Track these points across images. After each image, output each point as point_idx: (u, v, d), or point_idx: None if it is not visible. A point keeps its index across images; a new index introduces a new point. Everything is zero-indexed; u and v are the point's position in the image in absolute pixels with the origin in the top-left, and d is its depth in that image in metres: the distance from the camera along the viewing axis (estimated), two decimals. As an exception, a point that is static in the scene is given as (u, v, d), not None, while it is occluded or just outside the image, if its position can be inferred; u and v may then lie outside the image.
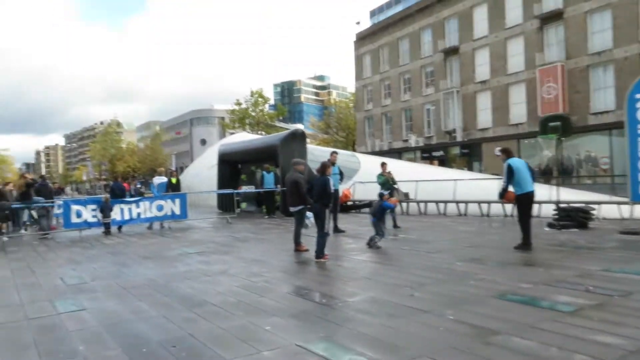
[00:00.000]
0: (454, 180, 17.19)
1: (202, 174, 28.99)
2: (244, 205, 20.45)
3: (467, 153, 40.47)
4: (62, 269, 8.86)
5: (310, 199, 8.99)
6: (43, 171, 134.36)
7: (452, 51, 41.23)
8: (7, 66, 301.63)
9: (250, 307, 5.59)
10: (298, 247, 9.57)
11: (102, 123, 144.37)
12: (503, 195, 8.93)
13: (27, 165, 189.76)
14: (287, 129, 62.45)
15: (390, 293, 5.99)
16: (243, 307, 5.63)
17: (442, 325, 4.65)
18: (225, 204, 19.58)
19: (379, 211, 9.71)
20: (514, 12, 36.22)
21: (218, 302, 5.86)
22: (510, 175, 8.62)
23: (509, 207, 14.81)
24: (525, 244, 8.71)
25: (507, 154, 8.93)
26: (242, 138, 30.09)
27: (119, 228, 15.04)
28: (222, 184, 21.71)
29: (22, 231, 14.94)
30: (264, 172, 18.81)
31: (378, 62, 50.72)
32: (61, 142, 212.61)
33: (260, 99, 58.16)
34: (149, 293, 6.53)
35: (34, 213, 14.19)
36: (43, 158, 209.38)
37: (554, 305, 5.20)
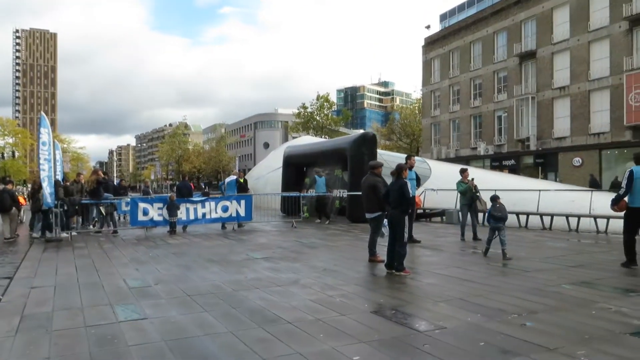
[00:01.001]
0: (538, 190, 15.76)
1: (265, 176, 28.77)
2: (306, 211, 19.84)
3: (541, 163, 38.10)
4: (125, 269, 8.46)
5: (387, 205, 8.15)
6: (114, 170, 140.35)
7: (528, 55, 39.04)
8: (89, 72, 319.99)
9: (331, 329, 4.81)
10: (373, 257, 8.74)
11: (170, 125, 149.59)
12: (617, 203, 7.79)
13: (101, 163, 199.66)
14: (348, 134, 61.75)
15: (495, 320, 5.03)
16: (322, 327, 4.86)
17: (578, 371, 3.68)
18: (289, 208, 19.03)
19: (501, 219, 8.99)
20: (599, 14, 33.74)
21: (293, 319, 5.12)
22: (630, 183, 7.47)
23: (602, 223, 13.35)
24: (631, 262, 7.73)
25: (636, 160, 7.81)
26: (307, 141, 29.62)
27: (184, 228, 14.77)
28: (286, 186, 21.23)
29: (90, 227, 14.97)
30: (316, 176, 18.15)
31: (448, 67, 49.06)
32: (132, 142, 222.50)
33: (325, 103, 57.73)
34: (216, 302, 5.90)
35: (102, 209, 14.14)
36: (115, 157, 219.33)
37: None
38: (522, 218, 15.26)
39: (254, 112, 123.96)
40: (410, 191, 8.77)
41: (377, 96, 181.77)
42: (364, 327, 4.87)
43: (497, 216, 9.02)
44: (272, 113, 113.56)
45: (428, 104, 52.72)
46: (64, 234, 12.98)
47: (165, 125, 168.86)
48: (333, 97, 61.86)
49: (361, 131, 69.28)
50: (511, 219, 15.56)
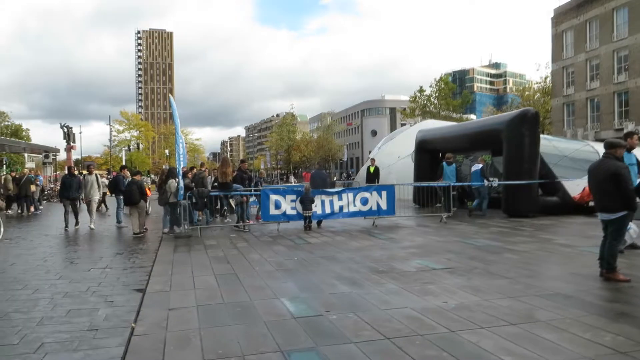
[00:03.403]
0: None
1: (389, 164, 26.41)
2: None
3: None
4: (275, 280, 6.72)
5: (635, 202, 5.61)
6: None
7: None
8: (203, 68, 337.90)
9: None
10: (613, 275, 6.17)
11: (277, 115, 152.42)
12: None
13: (214, 154, 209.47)
14: (461, 120, 57.63)
15: None
16: None
17: None
18: (423, 199, 16.70)
19: None
20: None
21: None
22: None
23: None
24: None
25: None
26: (432, 125, 26.87)
27: (319, 223, 13.04)
28: (420, 175, 18.88)
29: (218, 219, 13.76)
30: (444, 164, 15.57)
31: (584, 39, 43.45)
32: (242, 133, 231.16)
33: (444, 87, 54.03)
34: (438, 356, 3.83)
35: (232, 202, 12.79)
36: (228, 147, 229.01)
37: None
38: None
39: (358, 100, 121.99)
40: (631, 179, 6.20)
41: (488, 79, 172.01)
42: None
43: None
44: (378, 100, 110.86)
45: (559, 82, 47.25)
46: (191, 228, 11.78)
47: (273, 116, 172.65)
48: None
49: (471, 117, 64.20)
50: None
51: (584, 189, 14.85)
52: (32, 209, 20.59)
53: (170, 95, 11.50)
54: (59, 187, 16.63)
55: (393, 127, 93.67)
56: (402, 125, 69.80)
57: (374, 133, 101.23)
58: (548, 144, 16.34)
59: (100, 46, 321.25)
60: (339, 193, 12.98)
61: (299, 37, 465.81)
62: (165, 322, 4.93)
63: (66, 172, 16.23)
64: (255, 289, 6.25)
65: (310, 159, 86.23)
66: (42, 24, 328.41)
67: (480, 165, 14.55)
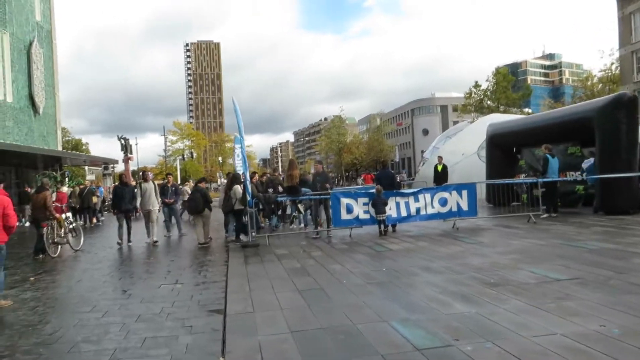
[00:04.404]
0: None
1: (453, 163, 25.00)
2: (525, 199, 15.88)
3: None
4: (370, 297, 5.78)
5: None
6: (280, 167, 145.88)
7: None
8: (251, 77, 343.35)
9: None
10: None
11: (326, 119, 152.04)
12: None
13: (264, 160, 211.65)
14: (523, 114, 54.66)
15: None
16: None
17: None
18: (497, 197, 15.36)
19: None
20: None
21: None
22: None
23: None
24: None
25: None
26: (499, 119, 25.29)
27: (393, 227, 12.02)
28: (493, 171, 17.51)
29: (291, 226, 12.96)
30: (547, 156, 14.00)
31: (654, 20, 40.40)
32: (291, 138, 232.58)
33: (502, 80, 51.60)
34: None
35: (301, 207, 11.97)
36: (279, 153, 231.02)
37: None
38: None
39: (407, 100, 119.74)
40: None
41: (542, 70, 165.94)
42: None
43: None
44: (429, 98, 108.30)
45: (628, 67, 44.14)
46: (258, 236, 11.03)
47: (321, 120, 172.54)
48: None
49: (526, 111, 61.11)
50: None
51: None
52: (94, 220, 20.59)
53: (233, 98, 10.78)
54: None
55: (445, 125, 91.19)
56: (455, 122, 67.57)
57: (426, 132, 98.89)
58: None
59: (153, 61, 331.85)
60: (415, 194, 11.92)
61: (343, 40, 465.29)
62: (259, 355, 4.08)
63: (119, 182, 14.42)
64: (352, 308, 5.33)
65: (362, 161, 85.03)
66: (98, 43, 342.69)
67: (592, 160, 13.05)
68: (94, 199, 20.55)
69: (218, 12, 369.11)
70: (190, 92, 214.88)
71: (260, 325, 4.92)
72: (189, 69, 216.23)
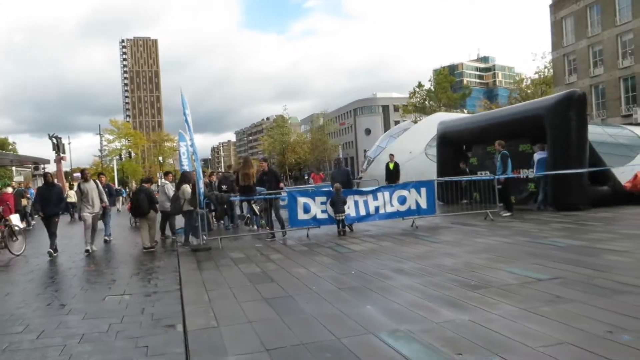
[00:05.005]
0: None
1: (401, 162, 24.99)
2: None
3: None
4: (346, 304, 5.26)
5: None
6: (222, 165, 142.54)
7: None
8: (191, 76, 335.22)
9: None
10: None
11: (268, 119, 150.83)
12: None
13: (205, 160, 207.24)
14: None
15: None
16: None
17: None
18: (448, 195, 15.37)
19: None
20: None
21: None
22: None
23: None
24: None
25: None
26: (444, 118, 25.54)
27: (350, 227, 11.59)
28: (442, 170, 17.51)
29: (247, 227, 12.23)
30: (505, 152, 14.00)
31: (585, 25, 42.43)
32: (232, 138, 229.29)
33: (444, 80, 52.72)
34: None
35: (256, 207, 11.31)
36: (221, 153, 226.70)
37: None
38: None
39: (349, 100, 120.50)
40: None
41: (477, 73, 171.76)
42: None
43: None
44: (371, 98, 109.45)
45: (560, 70, 46.21)
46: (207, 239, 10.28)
47: (263, 119, 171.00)
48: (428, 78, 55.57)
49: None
50: None
51: (636, 176, 13.57)
52: (24, 223, 18.94)
53: (181, 89, 9.97)
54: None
55: (387, 125, 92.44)
56: (397, 122, 68.47)
57: (368, 132, 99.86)
58: (614, 133, 15.05)
59: (89, 58, 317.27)
60: (373, 192, 11.55)
61: (287, 40, 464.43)
62: (234, 382, 3.46)
63: (43, 182, 11.89)
64: (330, 319, 4.79)
65: (306, 161, 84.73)
66: (29, 38, 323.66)
67: (545, 153, 13.04)
68: (24, 201, 18.93)
69: (158, 8, 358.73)
70: (126, 91, 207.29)
71: (229, 343, 4.29)
72: (125, 66, 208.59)
